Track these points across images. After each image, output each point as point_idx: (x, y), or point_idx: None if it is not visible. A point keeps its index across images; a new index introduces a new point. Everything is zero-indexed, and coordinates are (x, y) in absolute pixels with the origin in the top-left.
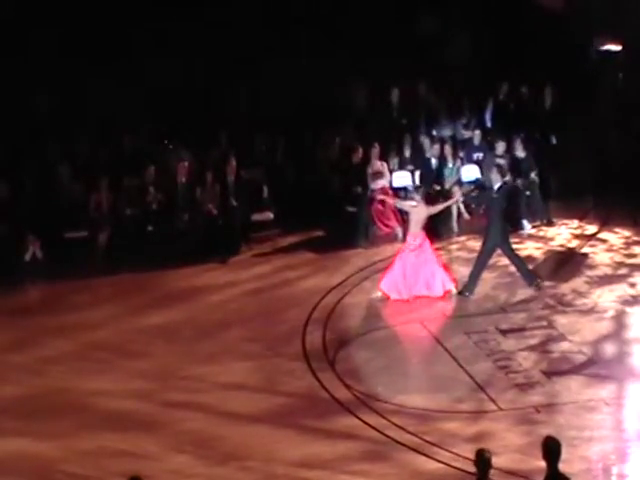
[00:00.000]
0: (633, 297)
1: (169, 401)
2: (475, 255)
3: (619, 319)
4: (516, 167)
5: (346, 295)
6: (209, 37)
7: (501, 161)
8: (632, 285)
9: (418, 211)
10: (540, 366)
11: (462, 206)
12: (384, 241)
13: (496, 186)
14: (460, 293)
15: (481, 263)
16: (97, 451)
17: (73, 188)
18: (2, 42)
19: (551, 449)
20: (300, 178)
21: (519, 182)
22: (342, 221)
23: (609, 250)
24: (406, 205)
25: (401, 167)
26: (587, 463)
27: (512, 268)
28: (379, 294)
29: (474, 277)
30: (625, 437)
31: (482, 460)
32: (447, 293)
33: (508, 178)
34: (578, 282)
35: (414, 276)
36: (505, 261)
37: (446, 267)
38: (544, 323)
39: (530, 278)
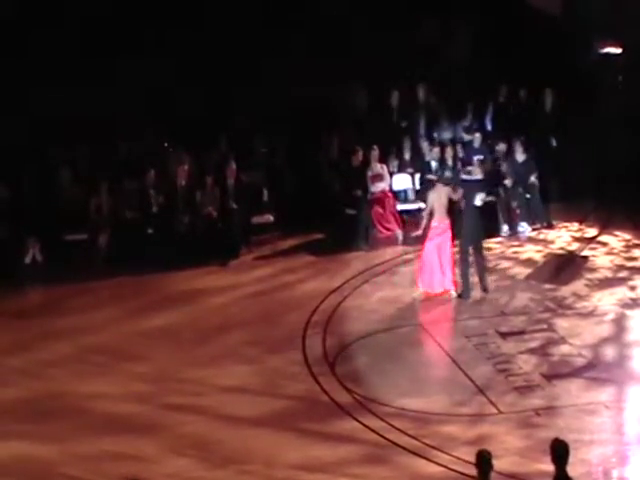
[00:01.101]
0: (633, 300)
1: (169, 404)
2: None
3: (619, 322)
4: (516, 170)
5: (346, 298)
6: (209, 39)
7: (481, 157)
8: (632, 288)
9: (439, 195)
10: (540, 369)
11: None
12: (384, 244)
13: (475, 178)
14: (460, 296)
15: (464, 263)
16: (97, 454)
17: (73, 191)
18: (2, 44)
19: (559, 451)
20: (300, 181)
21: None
22: (342, 224)
23: (609, 253)
24: (428, 202)
25: (401, 170)
26: (587, 466)
27: (511, 271)
28: (419, 292)
29: (464, 280)
30: (625, 440)
31: (483, 461)
32: (444, 293)
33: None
34: (578, 285)
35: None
36: (504, 264)
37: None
38: (544, 326)
39: (466, 291)
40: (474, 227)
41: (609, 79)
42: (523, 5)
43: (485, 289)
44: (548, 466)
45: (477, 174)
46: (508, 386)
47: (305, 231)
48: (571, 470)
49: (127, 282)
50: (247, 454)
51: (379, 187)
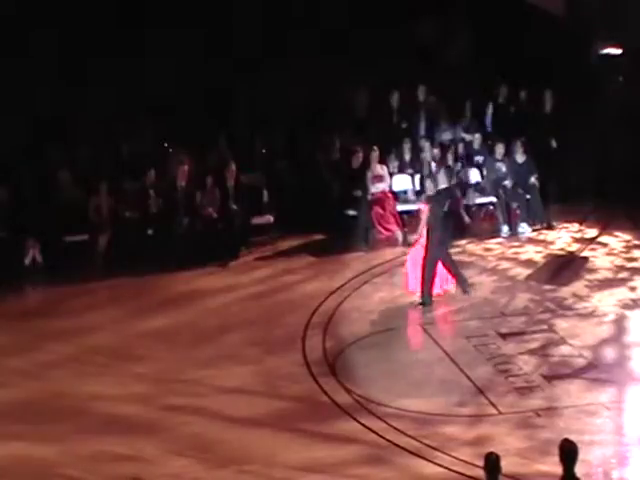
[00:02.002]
0: (633, 301)
1: (169, 405)
2: (475, 259)
3: (619, 323)
4: (516, 170)
5: (346, 299)
6: (208, 40)
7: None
8: (632, 289)
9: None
10: (540, 370)
11: (462, 210)
12: (384, 244)
13: (440, 187)
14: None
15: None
16: (97, 455)
17: (73, 192)
18: (2, 43)
19: (568, 452)
20: (300, 182)
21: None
22: (342, 225)
23: (609, 254)
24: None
25: (401, 171)
26: (587, 467)
27: (511, 272)
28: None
29: (426, 285)
30: (625, 441)
31: (491, 465)
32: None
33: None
34: (578, 286)
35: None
36: (504, 264)
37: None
38: (544, 327)
39: (466, 285)
40: (441, 235)
41: (609, 80)
42: (524, 5)
43: (469, 291)
44: (548, 467)
45: (445, 182)
46: (508, 387)
47: (305, 232)
48: None
49: (127, 283)
50: (247, 454)
51: (379, 188)
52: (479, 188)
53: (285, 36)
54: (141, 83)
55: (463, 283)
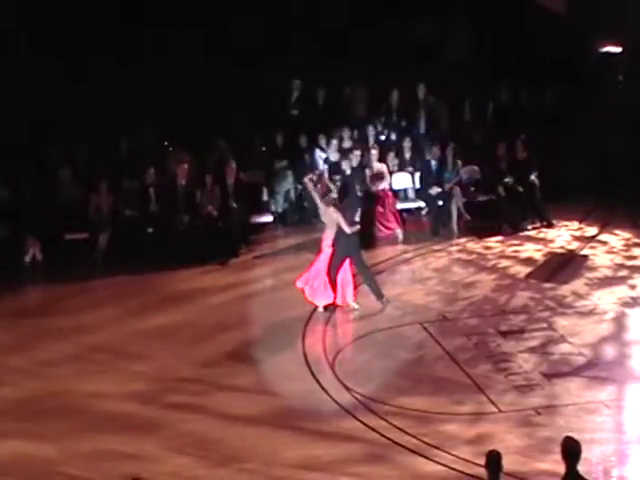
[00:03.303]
0: (633, 299)
1: (169, 403)
2: (475, 257)
3: (619, 321)
4: (516, 168)
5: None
6: (209, 39)
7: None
8: (632, 287)
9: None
10: (540, 368)
11: (462, 207)
12: (384, 243)
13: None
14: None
15: (333, 270)
16: (97, 453)
17: (73, 190)
18: (2, 46)
19: (570, 450)
20: (298, 180)
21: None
22: None
23: (609, 252)
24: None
25: (401, 169)
26: (587, 465)
27: (511, 270)
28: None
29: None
30: (625, 439)
31: (493, 462)
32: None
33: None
34: (578, 284)
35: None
36: (504, 263)
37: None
38: (544, 325)
39: (378, 294)
40: (349, 239)
41: (609, 78)
42: (524, 3)
43: (384, 301)
44: (548, 465)
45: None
46: (508, 385)
47: (305, 230)
48: None
49: (127, 281)
50: (247, 453)
51: (379, 186)
52: (480, 186)
53: (285, 36)
54: (142, 81)
55: (377, 294)
